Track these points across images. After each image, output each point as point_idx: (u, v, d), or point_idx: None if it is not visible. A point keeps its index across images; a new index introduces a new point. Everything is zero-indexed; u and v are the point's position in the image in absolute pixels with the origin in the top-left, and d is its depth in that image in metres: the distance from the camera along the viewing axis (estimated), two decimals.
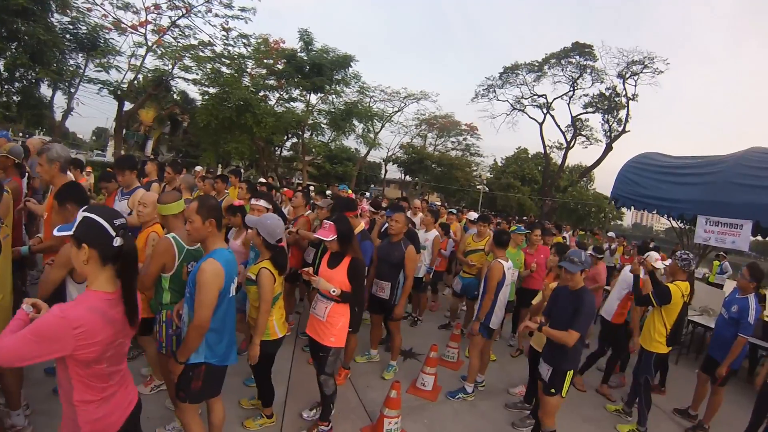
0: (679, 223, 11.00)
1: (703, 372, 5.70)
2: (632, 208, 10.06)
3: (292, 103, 22.83)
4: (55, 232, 1.91)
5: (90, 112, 53.10)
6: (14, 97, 18.91)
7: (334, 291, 3.69)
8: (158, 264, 3.34)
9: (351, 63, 21.72)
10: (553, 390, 3.99)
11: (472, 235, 7.64)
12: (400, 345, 5.61)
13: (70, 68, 19.05)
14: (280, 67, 21.21)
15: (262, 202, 4.98)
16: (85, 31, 18.52)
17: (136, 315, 1.97)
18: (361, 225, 5.24)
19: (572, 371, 3.99)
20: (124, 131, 33.74)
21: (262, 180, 13.53)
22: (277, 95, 22.25)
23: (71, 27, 18.39)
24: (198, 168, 15.40)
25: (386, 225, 5.94)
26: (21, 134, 34.40)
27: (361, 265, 3.85)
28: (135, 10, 18.40)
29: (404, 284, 5.23)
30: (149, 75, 20.71)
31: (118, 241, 1.85)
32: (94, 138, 76.70)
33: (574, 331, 3.77)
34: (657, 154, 10.72)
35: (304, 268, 5.84)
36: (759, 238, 10.11)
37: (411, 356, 6.36)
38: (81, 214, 1.86)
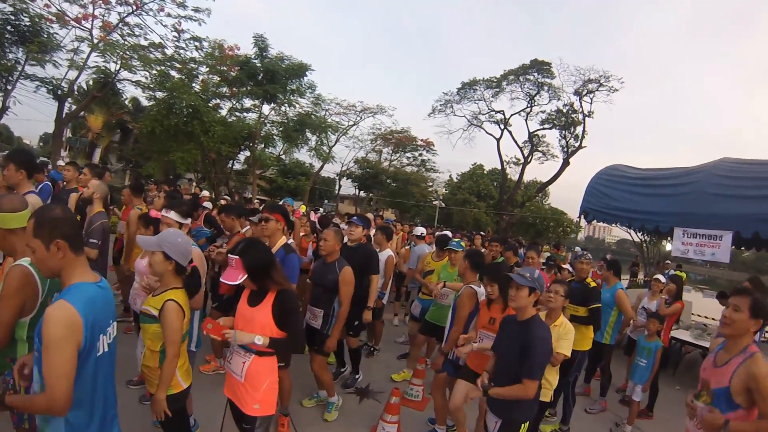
0: (639, 235, 10.74)
1: None
2: (604, 221, 9.53)
3: (245, 113, 21.89)
4: None
5: (35, 115, 49.86)
6: None
7: (259, 340, 2.73)
8: (14, 306, 2.27)
9: (306, 72, 20.93)
10: None
11: (431, 254, 6.91)
12: (331, 383, 4.76)
13: (7, 63, 17.01)
14: (233, 74, 20.25)
15: (173, 215, 3.88)
16: (27, 23, 16.60)
17: None
18: (282, 239, 4.25)
19: (527, 423, 3.25)
20: (70, 136, 31.98)
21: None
22: (230, 105, 21.25)
23: (13, 17, 16.40)
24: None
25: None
26: None
27: (290, 298, 2.91)
28: (82, 3, 16.88)
29: (340, 311, 4.43)
30: (93, 75, 19.13)
31: None
32: (41, 144, 73.14)
33: (528, 379, 2.99)
34: (625, 166, 10.38)
35: (236, 294, 5.01)
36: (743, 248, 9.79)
37: (368, 395, 5.44)
38: None
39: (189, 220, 3.95)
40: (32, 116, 48.44)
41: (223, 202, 11.01)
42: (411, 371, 6.09)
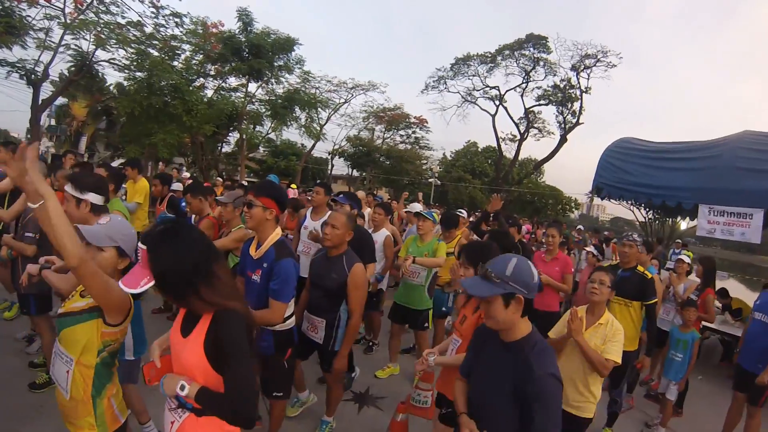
0: (645, 212, 10.14)
1: (739, 390, 4.61)
2: (619, 198, 8.81)
3: (231, 93, 20.99)
4: None
5: (20, 106, 48.20)
6: None
7: (182, 389, 1.72)
8: None
9: (294, 46, 20.02)
10: None
11: (438, 237, 6.11)
12: (340, 398, 3.98)
13: None
14: (217, 51, 19.30)
15: (68, 187, 2.86)
16: None
17: None
18: (276, 234, 3.09)
19: None
20: (52, 125, 30.93)
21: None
22: (216, 84, 20.37)
23: None
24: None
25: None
26: None
27: (231, 326, 1.75)
28: None
29: (348, 323, 3.50)
30: (68, 56, 18.12)
31: None
32: (28, 136, 71.70)
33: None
34: (638, 139, 9.62)
35: None
36: None
37: (368, 402, 4.65)
38: None
39: (92, 196, 2.88)
40: (17, 107, 46.80)
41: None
42: (395, 365, 5.38)
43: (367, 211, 6.75)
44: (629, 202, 9.01)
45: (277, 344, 3.14)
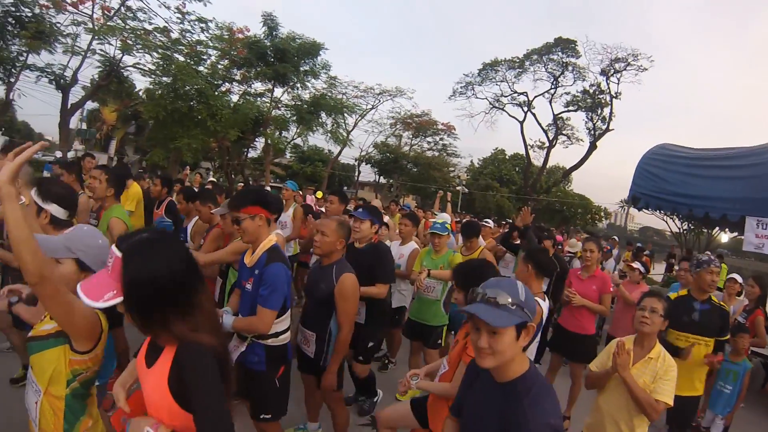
0: (679, 223, 9.61)
1: None
2: (658, 208, 8.29)
3: (256, 98, 21.03)
4: None
5: (52, 111, 49.19)
6: None
7: None
8: None
9: (320, 51, 19.99)
10: None
11: (461, 248, 5.77)
12: (347, 422, 3.59)
13: (9, 54, 16.58)
14: (242, 56, 19.40)
15: (55, 207, 2.67)
16: (29, 14, 16.01)
17: None
18: (270, 240, 2.93)
19: None
20: (82, 128, 31.61)
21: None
22: (242, 89, 20.55)
23: (13, 9, 15.87)
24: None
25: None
26: None
27: (194, 360, 1.45)
28: None
29: (337, 337, 3.22)
30: (96, 62, 18.47)
31: None
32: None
33: None
34: (676, 145, 9.08)
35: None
36: None
37: None
38: None
39: (55, 207, 2.65)
40: (48, 111, 48.03)
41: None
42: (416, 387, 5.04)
43: (386, 218, 6.40)
44: (667, 213, 8.46)
45: (268, 360, 2.90)
